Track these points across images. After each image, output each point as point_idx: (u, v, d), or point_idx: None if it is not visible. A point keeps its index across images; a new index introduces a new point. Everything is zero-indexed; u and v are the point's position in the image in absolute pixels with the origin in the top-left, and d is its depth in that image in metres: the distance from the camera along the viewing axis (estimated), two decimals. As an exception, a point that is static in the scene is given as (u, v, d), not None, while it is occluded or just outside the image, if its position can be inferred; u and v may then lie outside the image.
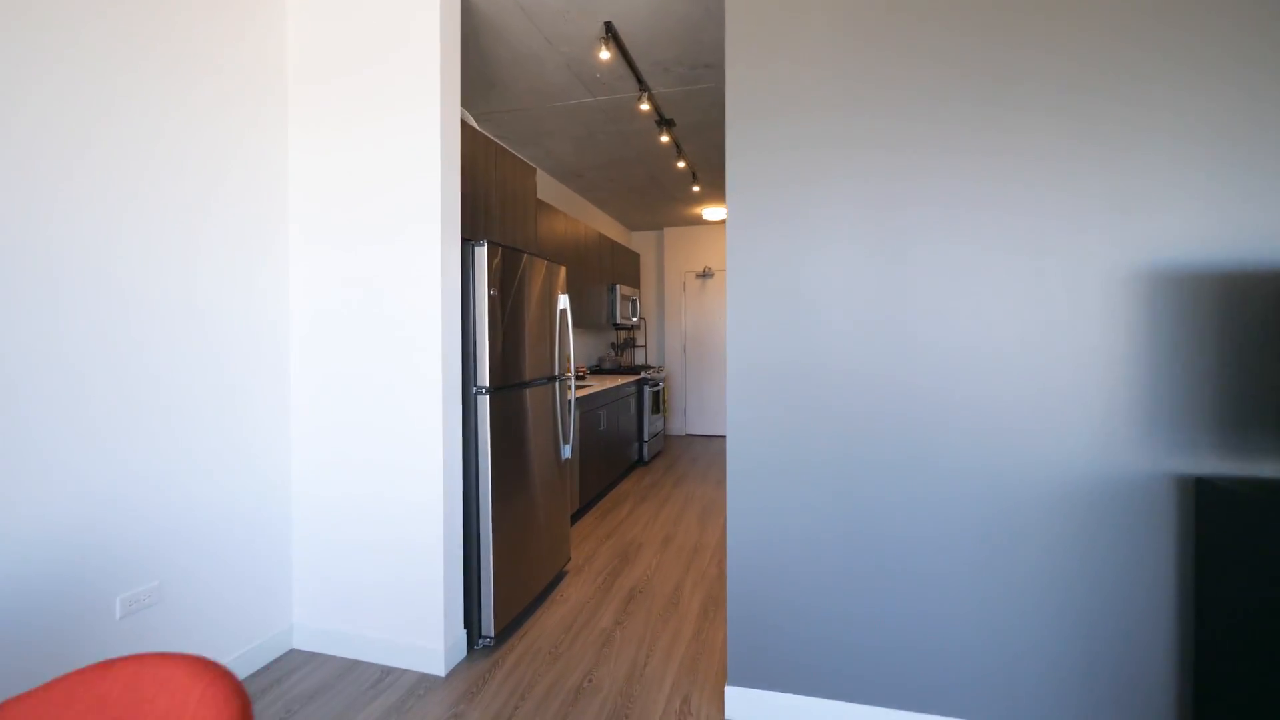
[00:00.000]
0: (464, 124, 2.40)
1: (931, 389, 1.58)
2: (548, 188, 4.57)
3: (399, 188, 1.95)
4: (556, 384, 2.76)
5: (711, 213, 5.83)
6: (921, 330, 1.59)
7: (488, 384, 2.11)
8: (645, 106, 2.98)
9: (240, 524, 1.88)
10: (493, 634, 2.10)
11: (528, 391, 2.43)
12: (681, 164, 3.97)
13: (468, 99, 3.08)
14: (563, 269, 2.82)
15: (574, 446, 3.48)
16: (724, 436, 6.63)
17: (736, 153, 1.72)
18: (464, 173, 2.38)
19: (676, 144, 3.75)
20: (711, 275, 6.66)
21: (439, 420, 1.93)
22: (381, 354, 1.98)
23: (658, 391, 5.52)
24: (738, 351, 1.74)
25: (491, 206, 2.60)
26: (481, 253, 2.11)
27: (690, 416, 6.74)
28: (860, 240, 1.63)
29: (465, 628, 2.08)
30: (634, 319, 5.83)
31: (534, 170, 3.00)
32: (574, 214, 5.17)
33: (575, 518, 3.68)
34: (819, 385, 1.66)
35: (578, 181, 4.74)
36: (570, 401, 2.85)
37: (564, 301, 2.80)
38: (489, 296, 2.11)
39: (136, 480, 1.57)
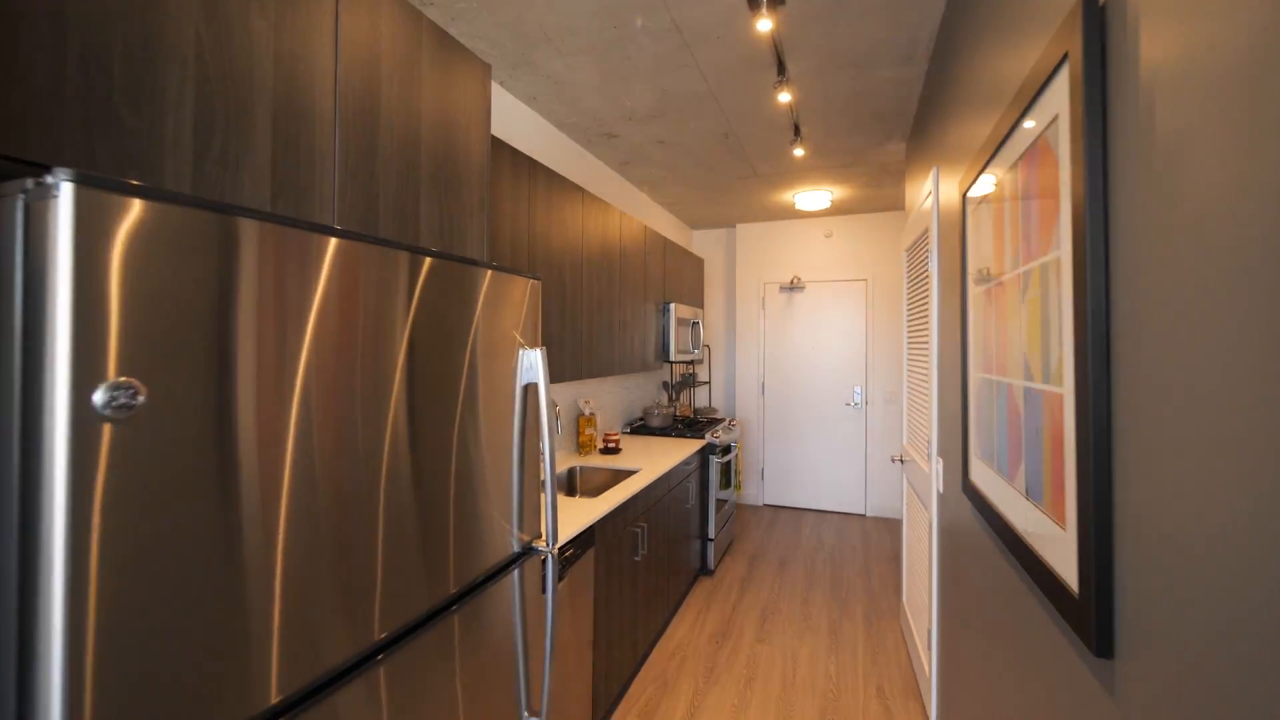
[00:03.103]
0: None
1: None
2: (560, 155, 2.97)
3: None
4: (516, 573, 1.11)
5: (808, 198, 4.05)
6: None
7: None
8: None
9: None
10: None
11: (391, 665, 0.79)
12: (785, 95, 2.25)
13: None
14: (532, 286, 1.17)
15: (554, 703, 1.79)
16: (816, 511, 4.77)
17: None
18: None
19: (778, 51, 2.04)
20: (801, 288, 4.85)
21: None
22: None
23: (728, 463, 3.77)
24: None
25: (349, 147, 0.99)
26: (68, 218, 0.49)
27: (769, 481, 4.93)
28: None
29: None
30: (695, 350, 4.13)
31: (481, 67, 1.38)
32: (604, 201, 3.55)
33: (586, 743, 2.00)
34: None
35: (610, 146, 3.11)
36: (550, 600, 1.18)
37: (533, 367, 1.16)
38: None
39: None
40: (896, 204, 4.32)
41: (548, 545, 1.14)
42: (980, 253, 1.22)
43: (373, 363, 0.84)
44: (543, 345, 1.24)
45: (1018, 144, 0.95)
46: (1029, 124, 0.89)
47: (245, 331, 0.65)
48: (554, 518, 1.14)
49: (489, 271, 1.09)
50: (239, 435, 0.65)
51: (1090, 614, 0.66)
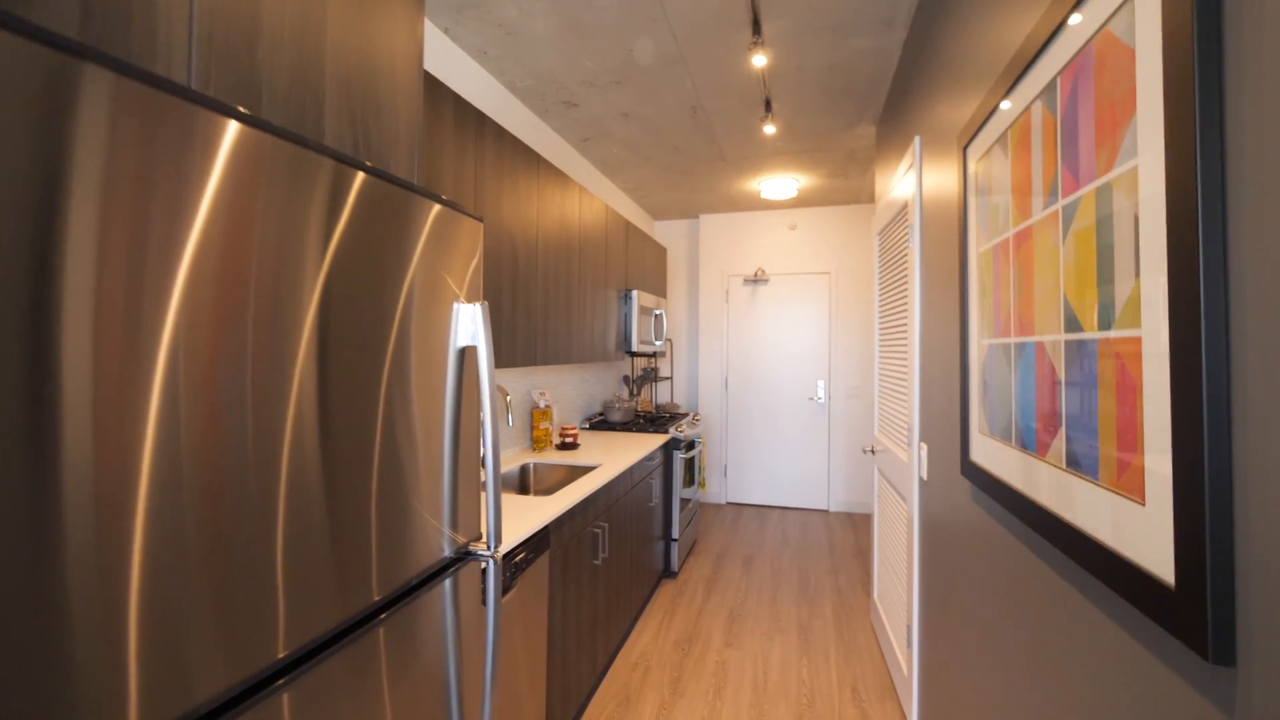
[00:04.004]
0: None
1: None
2: (515, 124, 2.73)
3: None
4: (448, 583, 0.89)
5: (775, 186, 3.95)
6: None
7: None
8: None
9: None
10: None
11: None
12: (759, 58, 2.10)
13: None
14: (475, 228, 0.95)
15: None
16: (779, 508, 4.68)
17: None
18: None
19: (754, 6, 1.89)
20: (765, 281, 4.77)
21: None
22: None
23: (692, 459, 3.61)
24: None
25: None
26: None
27: (732, 478, 4.81)
28: None
29: None
30: (658, 343, 3.95)
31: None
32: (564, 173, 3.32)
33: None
34: None
35: (570, 117, 2.90)
36: (491, 615, 0.96)
37: (473, 326, 0.93)
38: None
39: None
40: (861, 196, 4.29)
41: (489, 549, 0.92)
42: (991, 204, 1.09)
43: (273, 306, 0.61)
44: (485, 300, 1.02)
45: (1055, 57, 0.81)
46: (1079, 21, 0.74)
47: (77, 247, 0.42)
48: (497, 515, 0.92)
49: (436, 205, 0.87)
50: (62, 407, 0.41)
51: (1202, 611, 0.51)
